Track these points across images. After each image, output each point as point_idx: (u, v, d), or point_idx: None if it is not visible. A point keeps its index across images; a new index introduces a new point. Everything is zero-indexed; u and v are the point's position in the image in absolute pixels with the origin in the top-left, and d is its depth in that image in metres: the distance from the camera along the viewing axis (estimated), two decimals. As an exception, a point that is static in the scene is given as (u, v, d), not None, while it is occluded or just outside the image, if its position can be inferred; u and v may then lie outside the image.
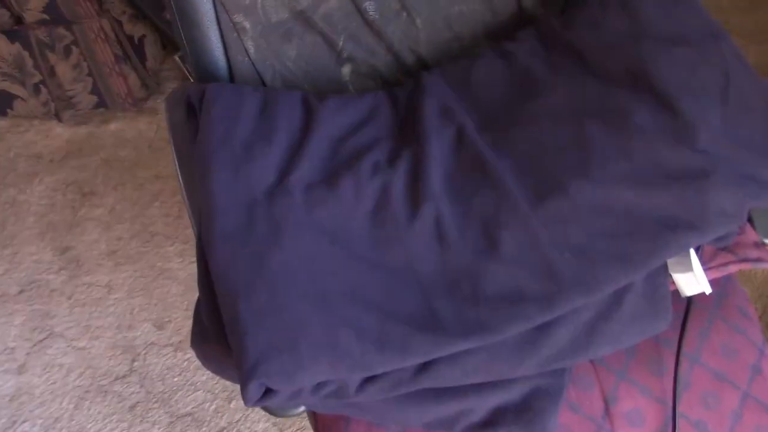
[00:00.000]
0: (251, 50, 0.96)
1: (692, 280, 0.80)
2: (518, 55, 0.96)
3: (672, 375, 0.82)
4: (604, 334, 0.77)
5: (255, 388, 0.69)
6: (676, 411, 0.80)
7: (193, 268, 1.62)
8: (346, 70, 1.03)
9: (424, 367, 0.74)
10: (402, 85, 1.03)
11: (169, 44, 2.00)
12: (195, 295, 1.58)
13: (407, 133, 0.91)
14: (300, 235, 0.77)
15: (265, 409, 0.77)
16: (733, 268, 0.84)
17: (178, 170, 0.92)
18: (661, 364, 0.83)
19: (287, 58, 0.99)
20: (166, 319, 1.57)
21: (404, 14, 1.00)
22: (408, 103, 0.95)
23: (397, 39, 1.02)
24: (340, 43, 1.00)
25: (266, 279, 0.72)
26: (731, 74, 0.85)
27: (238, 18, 0.93)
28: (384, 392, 0.75)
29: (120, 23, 1.78)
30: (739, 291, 0.89)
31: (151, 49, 1.92)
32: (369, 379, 0.74)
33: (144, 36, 1.88)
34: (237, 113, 0.86)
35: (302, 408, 0.79)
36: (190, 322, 1.52)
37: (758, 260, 0.83)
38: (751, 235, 0.85)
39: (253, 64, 0.97)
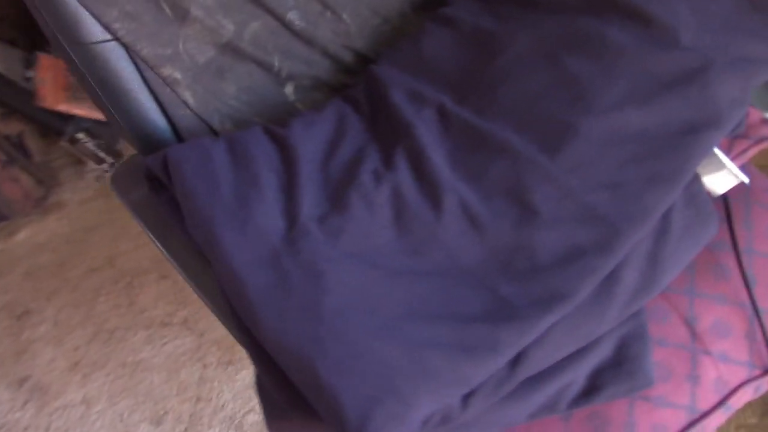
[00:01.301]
0: (190, 101, 0.87)
1: (727, 176, 0.78)
2: (460, 17, 0.91)
3: (738, 275, 0.80)
4: (666, 260, 0.75)
5: (371, 448, 0.61)
6: (758, 308, 0.78)
7: (167, 350, 1.51)
8: (289, 89, 0.95)
9: (518, 359, 0.69)
10: (349, 87, 0.96)
11: (48, 132, 1.85)
12: (180, 376, 1.47)
13: (386, 131, 0.84)
14: (338, 271, 0.70)
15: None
16: (752, 152, 0.83)
17: (163, 250, 0.82)
18: (722, 268, 0.81)
19: (228, 96, 0.90)
20: (162, 412, 1.44)
21: (328, 13, 0.93)
22: (370, 102, 0.89)
23: (330, 41, 0.95)
24: (276, 64, 0.92)
25: (329, 328, 0.65)
26: (684, -35, 0.83)
27: (167, 71, 0.84)
28: (488, 400, 0.69)
29: (-7, 127, 1.63)
30: (756, 173, 0.88)
31: (33, 142, 1.77)
32: (470, 394, 0.68)
33: (22, 132, 1.73)
34: (211, 168, 0.77)
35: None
36: (187, 406, 1.43)
37: (774, 136, 0.82)
38: (754, 114, 0.84)
39: (196, 114, 0.88)
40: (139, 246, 1.67)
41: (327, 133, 0.85)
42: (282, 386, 0.68)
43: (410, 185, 0.77)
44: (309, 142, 0.82)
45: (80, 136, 1.77)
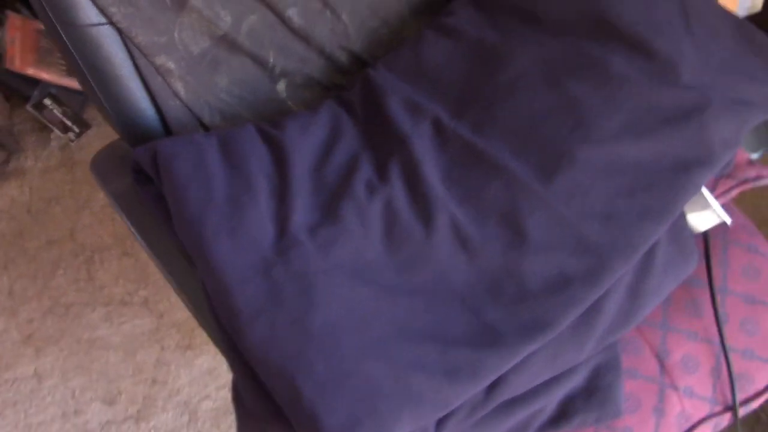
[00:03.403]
0: (181, 91, 0.85)
1: (711, 214, 0.79)
2: (462, 28, 0.91)
3: (710, 312, 0.82)
4: (646, 294, 0.76)
5: (347, 468, 0.61)
6: (726, 346, 0.80)
7: (125, 329, 1.48)
8: (281, 86, 0.94)
9: (494, 385, 0.70)
10: (343, 88, 0.95)
11: (13, 95, 1.79)
12: (136, 357, 1.45)
13: (380, 140, 0.84)
14: (329, 285, 0.69)
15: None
16: (735, 192, 0.85)
17: (145, 245, 0.81)
18: (696, 304, 0.83)
19: (219, 89, 0.89)
20: (115, 392, 1.42)
21: (328, 12, 0.92)
22: (365, 107, 0.88)
23: (327, 40, 0.94)
24: (270, 59, 0.90)
25: (316, 345, 0.65)
26: (687, 2, 0.84)
27: (160, 59, 0.82)
28: (462, 423, 0.70)
29: (-44, 86, 1.57)
30: (736, 212, 0.90)
31: (-3, 104, 1.71)
32: (445, 417, 0.69)
33: (-15, 93, 1.67)
34: (203, 167, 0.76)
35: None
36: (141, 388, 1.41)
37: (757, 178, 0.84)
38: (740, 155, 0.86)
39: (186, 105, 0.86)
40: (102, 221, 1.63)
41: (321, 138, 0.84)
42: (260, 397, 0.67)
43: (403, 201, 0.77)
44: (303, 146, 0.81)
45: (47, 102, 1.72)
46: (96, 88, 0.83)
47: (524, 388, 0.72)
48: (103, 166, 0.88)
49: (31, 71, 1.67)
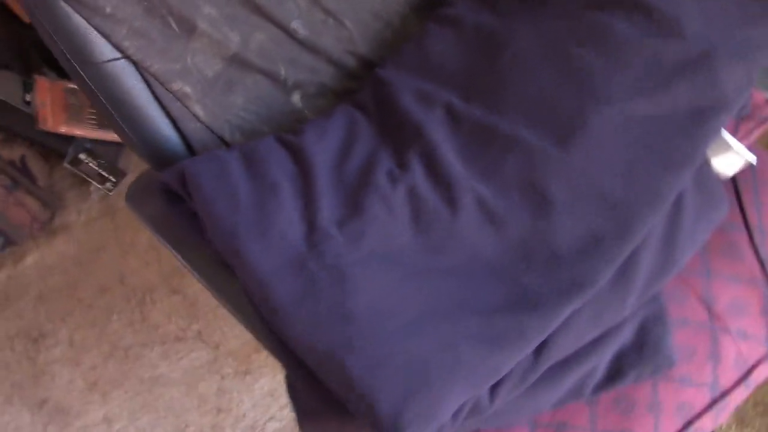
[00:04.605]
0: (200, 114, 0.88)
1: (735, 157, 0.79)
2: (462, 16, 0.93)
3: (751, 254, 0.81)
4: (681, 242, 0.76)
5: (405, 443, 0.62)
6: (772, 284, 0.79)
7: (184, 364, 1.51)
8: (295, 97, 0.96)
9: (542, 347, 0.70)
10: (355, 92, 0.97)
11: (50, 154, 1.85)
12: (199, 389, 1.48)
13: (396, 133, 0.86)
14: (362, 273, 0.71)
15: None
16: (757, 132, 0.84)
17: (183, 262, 0.83)
18: (735, 247, 0.82)
19: (237, 108, 0.91)
20: (183, 425, 1.45)
21: (331, 20, 0.95)
22: (378, 105, 0.90)
23: (333, 48, 0.96)
24: (282, 73, 0.93)
25: (360, 328, 0.66)
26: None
27: (177, 85, 0.85)
28: (515, 389, 0.70)
29: (-4, 152, 1.64)
30: (763, 153, 0.89)
31: (36, 165, 1.77)
32: (497, 384, 0.69)
33: (24, 155, 1.74)
34: (228, 179, 0.78)
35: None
36: (208, 419, 1.43)
37: (778, 115, 0.83)
38: (757, 96, 0.86)
39: (207, 126, 0.89)
40: (148, 262, 1.67)
41: (339, 139, 0.86)
42: (314, 387, 0.69)
43: (425, 185, 0.79)
44: (322, 148, 0.84)
45: (82, 157, 1.78)
46: (119, 120, 0.86)
47: (572, 348, 0.73)
48: (137, 196, 0.92)
49: (63, 129, 1.74)
